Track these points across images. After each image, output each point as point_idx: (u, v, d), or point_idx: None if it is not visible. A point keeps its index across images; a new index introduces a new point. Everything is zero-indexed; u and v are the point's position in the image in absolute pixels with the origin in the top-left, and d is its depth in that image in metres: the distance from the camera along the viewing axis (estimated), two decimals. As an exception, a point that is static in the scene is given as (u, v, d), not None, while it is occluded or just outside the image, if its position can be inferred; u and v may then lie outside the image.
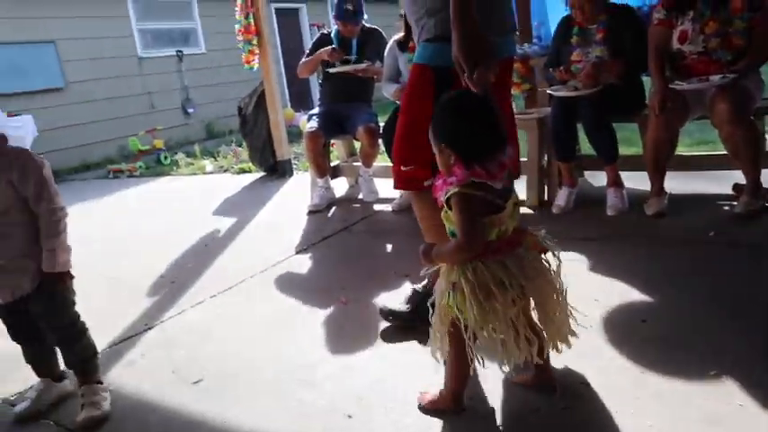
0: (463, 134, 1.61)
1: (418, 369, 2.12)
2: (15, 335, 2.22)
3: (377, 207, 4.39)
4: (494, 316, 1.61)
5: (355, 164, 4.89)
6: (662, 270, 2.72)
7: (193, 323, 2.84)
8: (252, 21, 5.77)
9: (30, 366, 2.26)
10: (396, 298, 2.66)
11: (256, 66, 5.89)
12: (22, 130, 7.95)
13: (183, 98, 10.80)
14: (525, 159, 3.94)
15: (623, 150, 3.79)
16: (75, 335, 2.17)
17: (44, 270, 2.01)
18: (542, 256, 1.74)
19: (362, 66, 4.38)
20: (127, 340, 2.73)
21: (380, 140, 4.38)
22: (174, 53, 10.80)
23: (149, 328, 2.82)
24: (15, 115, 7.99)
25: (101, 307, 2.84)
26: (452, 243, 1.64)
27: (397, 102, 4.30)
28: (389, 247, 3.58)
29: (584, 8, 3.60)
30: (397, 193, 4.27)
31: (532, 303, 1.74)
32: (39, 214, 2.00)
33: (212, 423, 1.99)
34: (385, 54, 4.27)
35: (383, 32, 4.59)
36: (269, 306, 2.91)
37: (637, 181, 3.75)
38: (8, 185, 1.96)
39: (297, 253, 3.63)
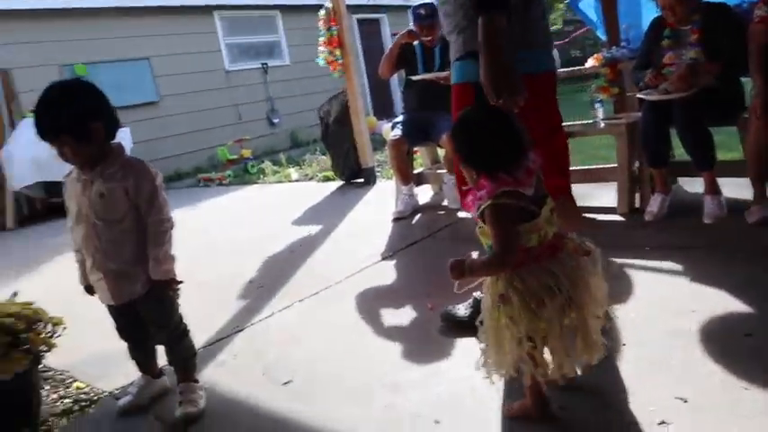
0: (478, 149, 1.64)
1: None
2: (123, 334, 2.34)
3: (462, 214, 4.36)
4: (546, 324, 1.59)
5: (439, 171, 4.89)
6: (766, 282, 2.57)
7: (282, 326, 2.90)
8: (335, 33, 5.88)
9: (133, 363, 2.39)
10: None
11: (339, 71, 5.97)
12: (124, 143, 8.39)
13: (269, 109, 11.11)
14: (615, 165, 3.83)
15: (721, 155, 3.62)
16: (179, 336, 2.29)
17: (151, 277, 2.11)
18: (584, 259, 1.68)
19: (445, 73, 4.36)
20: (219, 342, 2.82)
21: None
22: (260, 66, 11.15)
23: (240, 331, 2.91)
24: (115, 127, 8.44)
25: (193, 310, 2.93)
26: (489, 256, 1.63)
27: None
28: (475, 255, 3.54)
29: (675, 9, 3.45)
30: None
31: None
32: (147, 223, 2.10)
33: (300, 424, 2.03)
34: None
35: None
36: (355, 311, 2.94)
37: (735, 188, 3.56)
38: (124, 194, 2.07)
39: (382, 259, 3.66)
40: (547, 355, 1.65)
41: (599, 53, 4.38)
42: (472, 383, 2.07)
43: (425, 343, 2.48)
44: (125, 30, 9.30)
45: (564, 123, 3.47)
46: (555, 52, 3.88)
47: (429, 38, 4.56)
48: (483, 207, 1.60)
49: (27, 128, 7.69)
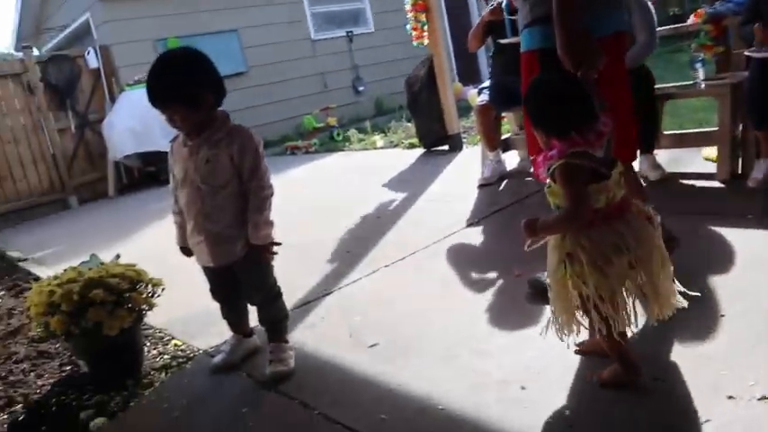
0: (550, 111, 1.68)
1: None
2: (217, 295, 2.42)
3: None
4: (615, 281, 1.62)
5: (526, 136, 4.77)
6: None
7: (368, 291, 2.93)
8: (420, -3, 5.79)
9: (226, 323, 2.47)
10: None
11: (426, 42, 5.91)
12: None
13: (354, 77, 11.15)
14: (716, 129, 3.61)
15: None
16: (273, 298, 2.36)
17: (250, 241, 2.17)
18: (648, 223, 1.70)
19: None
20: (307, 304, 2.89)
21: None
22: (345, 34, 11.16)
23: (328, 294, 2.97)
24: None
25: (284, 273, 3.02)
26: (561, 213, 1.66)
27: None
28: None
29: None
30: None
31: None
32: (249, 189, 2.15)
33: (387, 385, 2.06)
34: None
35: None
36: (442, 276, 2.93)
37: None
38: (229, 160, 2.12)
39: (468, 225, 3.62)
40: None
41: (700, 8, 4.12)
42: (560, 351, 2.03)
43: (512, 310, 2.44)
44: (214, 3, 9.55)
45: (660, 85, 3.34)
46: (650, 5, 3.69)
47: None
48: (554, 167, 1.62)
49: (126, 100, 8.08)
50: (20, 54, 8.80)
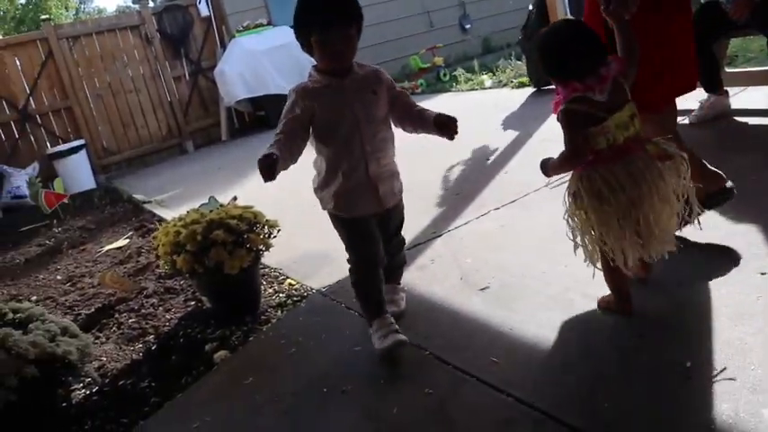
0: (550, 59, 1.82)
1: (719, 287, 1.94)
2: (374, 253, 2.11)
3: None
4: (611, 218, 1.75)
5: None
6: None
7: (479, 233, 2.90)
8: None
9: (369, 304, 2.13)
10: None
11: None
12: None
13: (461, 14, 10.84)
14: None
15: None
16: (403, 241, 2.36)
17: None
18: (664, 163, 1.77)
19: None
20: (417, 246, 2.90)
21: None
22: (451, -31, 10.83)
23: (437, 236, 2.96)
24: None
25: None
26: (561, 154, 1.78)
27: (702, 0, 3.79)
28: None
29: None
30: (695, 104, 3.83)
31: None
32: (402, 103, 2.13)
33: (498, 327, 2.05)
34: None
35: None
36: (553, 221, 2.79)
37: None
38: (386, 90, 2.08)
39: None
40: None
41: None
42: (682, 300, 1.94)
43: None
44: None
45: None
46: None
47: None
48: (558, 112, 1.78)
49: (236, 47, 8.28)
50: (137, 6, 9.17)
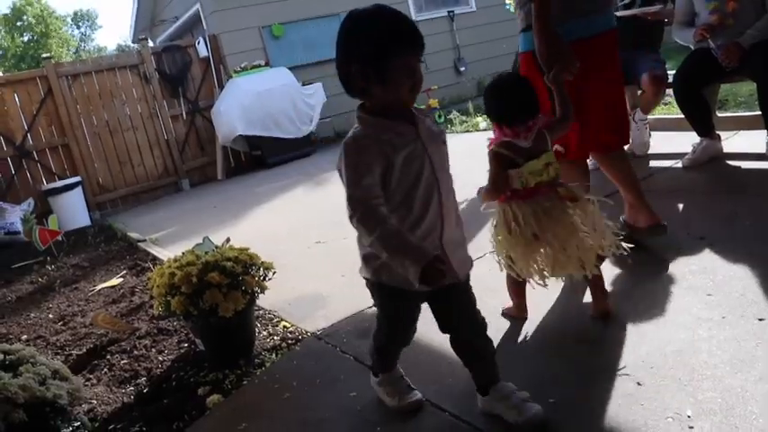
0: (490, 106, 2.16)
1: (716, 332, 1.95)
2: (409, 332, 1.95)
3: (666, 163, 4.02)
4: (516, 246, 2.11)
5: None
6: None
7: (476, 277, 2.83)
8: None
9: (385, 360, 2.01)
10: (691, 263, 2.47)
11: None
12: (314, 99, 8.81)
13: (455, 57, 11.01)
14: None
15: None
16: (485, 324, 1.87)
17: None
18: (572, 203, 2.08)
19: (654, 8, 3.99)
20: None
21: (669, 90, 4.01)
22: (446, 13, 11.03)
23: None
24: (309, 83, 8.89)
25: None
26: (485, 186, 2.11)
27: (692, 47, 3.86)
28: (681, 206, 3.26)
29: None
30: (688, 148, 3.88)
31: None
32: None
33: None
34: (678, -8, 3.86)
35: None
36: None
37: None
38: (444, 145, 1.76)
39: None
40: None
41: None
42: (678, 346, 1.93)
43: (626, 300, 2.33)
44: (317, -13, 9.68)
45: None
46: None
47: None
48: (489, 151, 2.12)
49: (233, 87, 8.37)
50: (136, 46, 9.29)
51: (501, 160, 2.07)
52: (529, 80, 2.14)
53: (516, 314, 2.37)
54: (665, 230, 2.70)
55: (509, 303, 2.41)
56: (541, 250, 2.10)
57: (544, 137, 2.07)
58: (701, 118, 3.79)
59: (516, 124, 2.05)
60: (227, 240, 2.79)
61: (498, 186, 2.08)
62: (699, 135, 3.83)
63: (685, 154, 3.87)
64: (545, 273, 2.13)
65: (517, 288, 2.34)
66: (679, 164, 3.89)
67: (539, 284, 2.16)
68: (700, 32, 3.64)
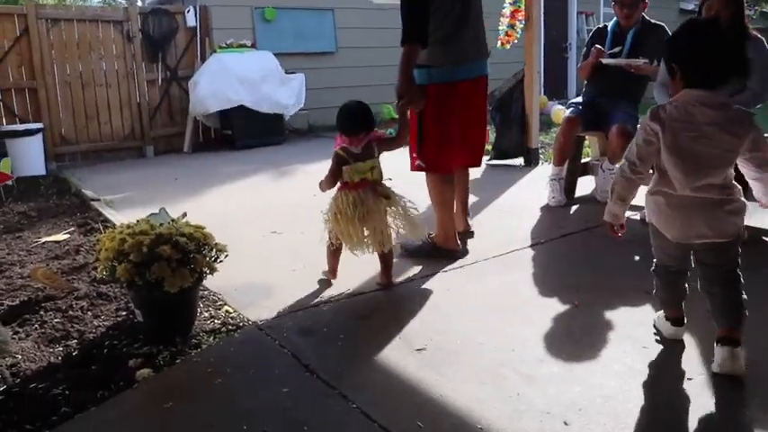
0: (338, 121, 2.89)
1: (642, 385, 2.01)
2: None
3: (627, 213, 4.11)
4: (342, 225, 2.83)
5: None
6: None
7: (423, 293, 2.92)
8: (521, 5, 5.71)
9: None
10: (634, 314, 2.54)
11: (508, 47, 5.83)
12: (294, 87, 8.74)
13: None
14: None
15: None
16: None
17: None
18: (385, 199, 2.88)
19: (639, 62, 4.10)
20: (360, 295, 2.90)
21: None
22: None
23: (381, 289, 2.96)
24: (292, 73, 8.83)
25: (342, 261, 3.07)
26: (325, 176, 2.86)
27: None
28: (635, 258, 3.34)
29: None
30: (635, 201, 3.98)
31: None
32: None
33: (428, 393, 2.04)
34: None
35: (668, 30, 4.25)
36: (499, 293, 2.89)
37: None
38: None
39: (533, 245, 3.56)
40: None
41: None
42: (607, 392, 1.98)
43: (566, 340, 2.39)
44: (316, -21, 9.66)
45: None
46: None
47: (626, 24, 4.29)
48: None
49: (216, 62, 8.26)
50: (124, 2, 9.10)
51: (338, 159, 2.83)
52: (365, 105, 2.89)
53: (331, 276, 3.06)
54: (457, 257, 3.33)
55: (327, 269, 3.10)
56: (353, 228, 2.81)
57: (372, 147, 2.87)
58: None
59: (351, 135, 2.83)
60: (184, 215, 2.76)
61: (333, 177, 2.85)
62: None
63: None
64: (355, 245, 2.87)
65: (334, 255, 3.04)
66: (638, 215, 3.99)
67: (353, 253, 2.95)
68: None
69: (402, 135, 3.02)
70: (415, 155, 3.26)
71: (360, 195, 2.81)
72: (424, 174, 3.32)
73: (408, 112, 3.06)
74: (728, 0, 3.46)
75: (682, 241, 2.13)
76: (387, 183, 2.95)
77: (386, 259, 2.96)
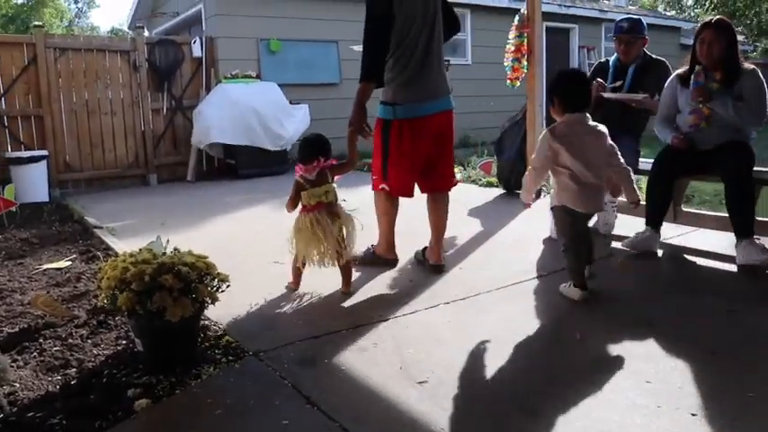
0: (298, 151, 3.30)
1: (649, 420, 1.99)
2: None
3: (616, 244, 4.12)
4: (300, 240, 3.23)
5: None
6: None
7: (425, 325, 2.90)
8: (525, 40, 5.77)
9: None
10: (637, 347, 2.53)
11: (518, 84, 5.88)
12: (298, 118, 8.80)
13: (445, 106, 11.17)
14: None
15: None
16: None
17: None
18: (336, 219, 3.24)
19: (639, 96, 4.14)
20: (361, 327, 2.87)
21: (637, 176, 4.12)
22: (442, 62, 11.23)
23: (383, 320, 2.95)
24: (297, 103, 8.92)
25: (343, 294, 3.06)
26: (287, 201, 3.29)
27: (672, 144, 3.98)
28: (635, 291, 3.33)
29: None
30: (631, 231, 4.00)
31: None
32: None
33: (430, 426, 2.01)
34: (664, 87, 3.99)
35: (670, 66, 4.29)
36: (501, 325, 2.87)
37: None
38: None
39: (537, 277, 3.54)
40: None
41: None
42: (611, 427, 1.96)
43: (569, 373, 2.37)
44: (318, 13, 9.83)
45: (759, 168, 3.42)
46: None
47: (626, 59, 4.34)
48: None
49: (221, 92, 8.35)
50: (131, 32, 9.23)
51: (296, 186, 3.25)
52: (321, 136, 3.32)
53: (294, 287, 3.39)
54: (393, 266, 3.80)
55: (291, 280, 3.43)
56: (313, 245, 3.20)
57: (325, 174, 3.24)
58: (659, 209, 3.90)
59: (306, 163, 3.22)
60: (167, 242, 2.72)
61: (293, 201, 3.26)
62: (646, 223, 3.94)
63: (627, 237, 4.03)
64: (315, 259, 3.25)
65: (297, 269, 3.35)
66: (619, 245, 4.00)
67: (314, 266, 3.30)
68: (675, 143, 3.78)
69: (351, 161, 3.44)
70: (376, 178, 3.68)
71: (316, 216, 3.17)
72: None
73: (359, 140, 3.43)
74: (720, 34, 3.55)
75: (588, 212, 3.16)
76: (342, 203, 3.34)
77: (345, 271, 3.32)
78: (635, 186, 3.19)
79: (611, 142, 3.10)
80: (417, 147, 3.56)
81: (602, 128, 3.10)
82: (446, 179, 3.80)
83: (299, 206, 3.26)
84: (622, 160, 3.10)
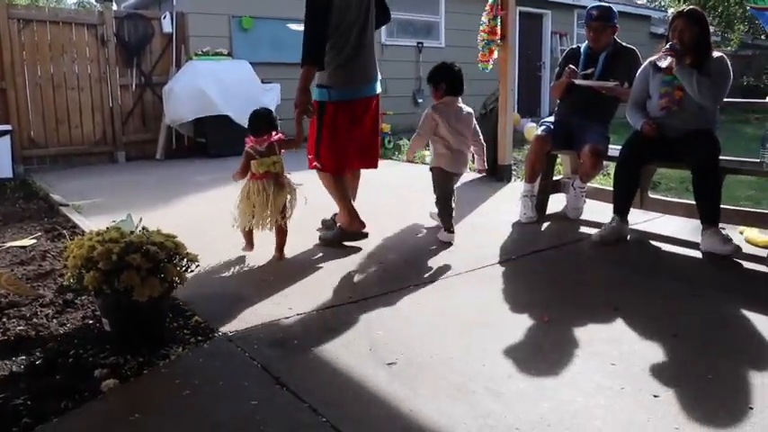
0: (248, 124, 3.54)
1: (613, 401, 2.03)
2: None
3: (595, 231, 4.19)
4: (245, 206, 3.51)
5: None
6: None
7: (394, 306, 2.92)
8: (498, 23, 5.78)
9: None
10: (603, 330, 2.57)
11: (490, 67, 5.89)
12: (269, 96, 8.72)
13: (416, 88, 11.18)
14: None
15: None
16: None
17: None
18: (283, 188, 3.53)
19: (610, 84, 4.18)
20: (332, 308, 2.88)
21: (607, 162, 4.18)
22: (415, 44, 11.20)
23: (353, 302, 2.96)
24: (269, 82, 8.82)
25: (314, 273, 3.06)
26: (237, 169, 3.58)
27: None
28: (602, 275, 3.39)
29: None
30: (605, 219, 4.05)
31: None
32: None
33: (399, 408, 2.03)
34: (636, 75, 4.03)
35: (639, 54, 4.34)
36: (469, 308, 2.91)
37: None
38: None
39: (504, 261, 3.59)
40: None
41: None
42: (576, 408, 2.00)
43: (535, 356, 2.40)
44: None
45: (723, 157, 3.48)
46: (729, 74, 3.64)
47: (597, 47, 4.38)
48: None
49: (191, 69, 8.22)
50: (99, 5, 9.02)
51: (247, 155, 3.49)
52: (271, 111, 3.61)
53: (248, 249, 3.66)
54: (365, 236, 3.92)
55: (245, 244, 3.68)
56: (257, 209, 3.44)
57: (273, 146, 3.50)
58: (626, 196, 3.95)
59: (257, 136, 3.49)
60: (140, 221, 2.69)
61: (243, 168, 3.51)
62: (614, 211, 3.98)
63: (599, 228, 4.06)
64: (260, 223, 3.51)
65: (248, 233, 3.63)
66: (593, 237, 4.05)
67: (256, 229, 3.58)
68: (646, 129, 3.81)
69: (298, 139, 3.70)
70: (311, 156, 3.84)
71: (264, 183, 3.45)
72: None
73: (303, 120, 3.62)
74: (692, 22, 3.61)
75: (456, 173, 3.97)
76: (289, 176, 3.61)
77: (280, 237, 3.63)
78: (485, 158, 4.18)
79: (475, 122, 4.03)
80: (350, 128, 3.79)
81: (469, 109, 3.99)
82: (374, 159, 4.14)
83: (248, 175, 3.50)
84: (482, 137, 4.11)
